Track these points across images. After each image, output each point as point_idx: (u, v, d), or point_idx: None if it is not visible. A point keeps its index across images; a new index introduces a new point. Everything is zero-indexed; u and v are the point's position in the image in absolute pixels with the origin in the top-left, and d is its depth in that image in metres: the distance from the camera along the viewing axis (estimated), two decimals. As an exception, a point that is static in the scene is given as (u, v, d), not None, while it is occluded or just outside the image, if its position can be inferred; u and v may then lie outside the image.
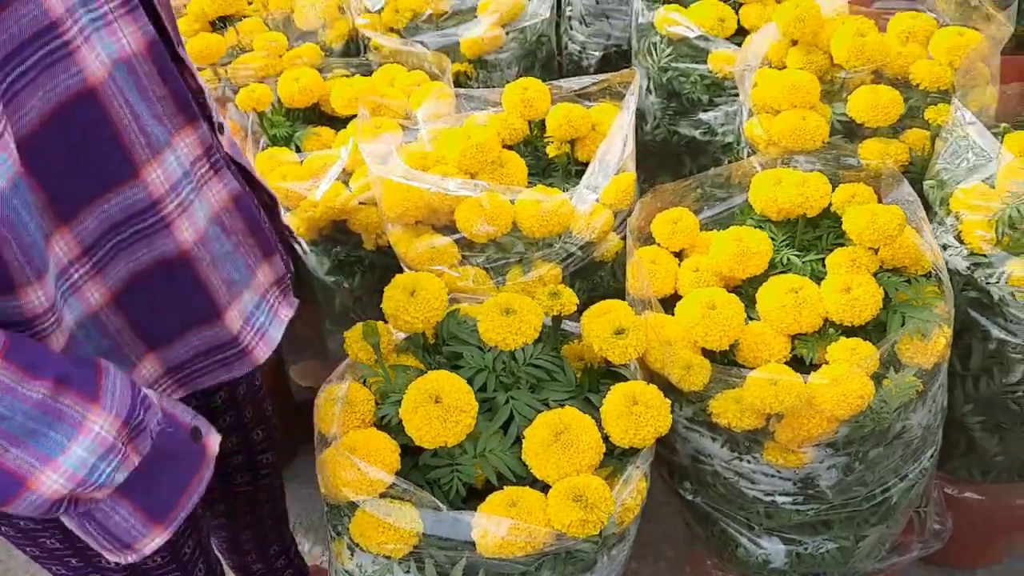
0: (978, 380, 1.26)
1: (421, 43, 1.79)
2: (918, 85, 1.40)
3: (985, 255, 1.17)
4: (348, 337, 1.12)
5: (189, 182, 0.88)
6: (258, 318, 1.01)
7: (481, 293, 1.24)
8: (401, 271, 1.37)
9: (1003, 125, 1.27)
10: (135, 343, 0.91)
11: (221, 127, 1.01)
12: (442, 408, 0.97)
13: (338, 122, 1.69)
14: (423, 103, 1.52)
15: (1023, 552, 1.72)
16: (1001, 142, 1.20)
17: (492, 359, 1.10)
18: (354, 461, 0.95)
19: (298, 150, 1.62)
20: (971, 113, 1.23)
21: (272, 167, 1.53)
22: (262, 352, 1.01)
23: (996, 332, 1.20)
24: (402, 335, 1.17)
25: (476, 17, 1.83)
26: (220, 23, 1.90)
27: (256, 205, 1.03)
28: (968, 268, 1.19)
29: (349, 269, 1.57)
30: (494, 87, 1.53)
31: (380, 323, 1.10)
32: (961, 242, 1.20)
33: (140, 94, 0.81)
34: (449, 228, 1.32)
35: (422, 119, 1.49)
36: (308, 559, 1.78)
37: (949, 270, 1.16)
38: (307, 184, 1.48)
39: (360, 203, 1.49)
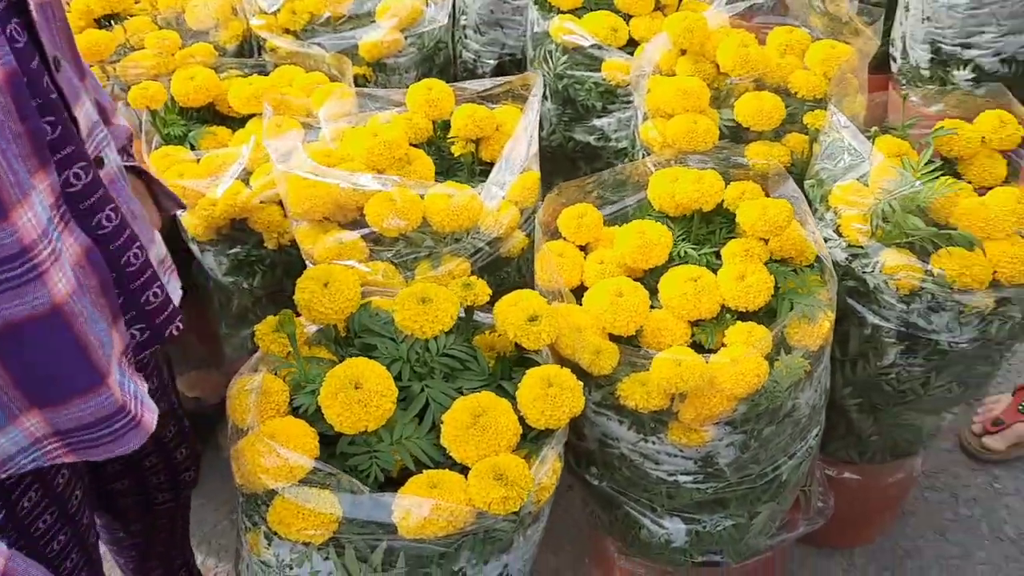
0: (855, 364, 1.37)
1: (319, 45, 1.79)
2: (796, 93, 1.50)
3: (861, 246, 1.27)
4: (259, 330, 1.12)
5: (55, 229, 0.81)
6: (128, 385, 0.92)
7: (392, 287, 1.25)
8: (304, 269, 1.36)
9: (874, 129, 1.38)
10: (14, 394, 0.83)
11: (101, 161, 0.95)
12: (362, 393, 0.98)
13: (234, 121, 1.67)
14: (325, 102, 1.52)
15: (894, 531, 1.85)
16: (872, 144, 1.31)
17: (406, 350, 1.12)
18: (273, 447, 0.94)
19: (193, 149, 1.59)
20: (845, 118, 1.33)
21: (167, 165, 1.49)
22: (149, 418, 0.93)
23: (871, 318, 1.30)
24: (313, 328, 1.17)
25: (374, 21, 1.84)
26: (106, 21, 1.84)
27: (107, 258, 0.92)
28: (847, 259, 1.29)
29: (249, 269, 1.55)
30: (394, 90, 1.55)
31: (291, 312, 1.10)
32: (840, 235, 1.30)
33: None
34: (356, 224, 1.33)
35: (324, 118, 1.50)
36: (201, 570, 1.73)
37: (831, 261, 1.25)
38: (205, 182, 1.46)
39: (261, 201, 1.48)
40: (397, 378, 1.07)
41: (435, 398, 1.07)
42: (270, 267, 1.55)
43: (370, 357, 1.10)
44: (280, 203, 1.43)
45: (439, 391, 1.07)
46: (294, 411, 1.05)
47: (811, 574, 1.78)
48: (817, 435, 1.33)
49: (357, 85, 1.67)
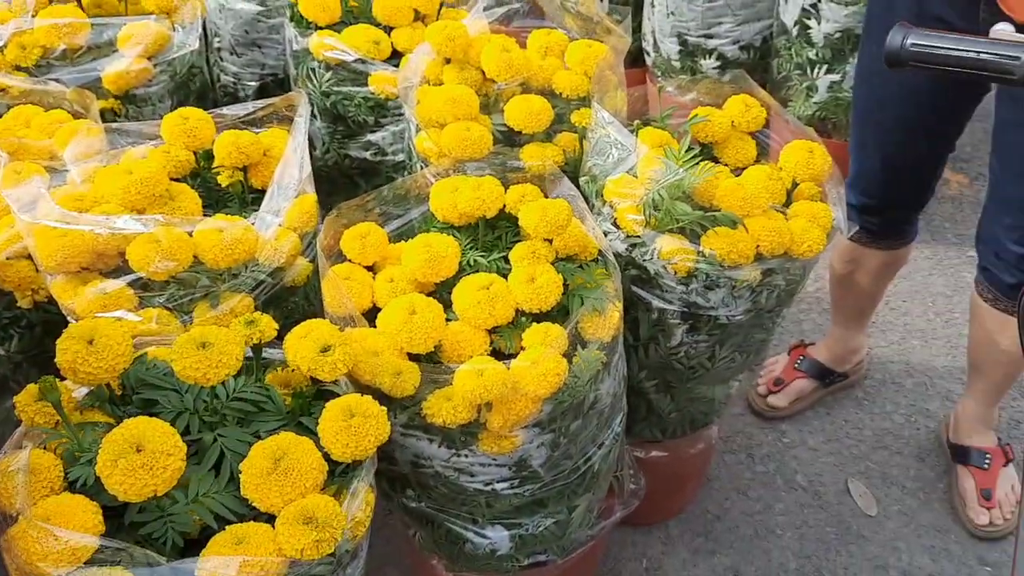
0: (647, 348, 1.42)
1: (57, 81, 1.64)
2: (561, 93, 1.54)
3: (638, 236, 1.32)
4: (19, 402, 1.01)
5: None
6: None
7: (168, 334, 1.16)
8: (67, 325, 1.25)
9: (636, 122, 1.44)
10: None
11: None
12: (146, 455, 0.90)
13: (-35, 173, 1.49)
14: (70, 142, 1.39)
15: (702, 497, 1.95)
16: (636, 137, 1.36)
17: (192, 400, 1.04)
18: (50, 531, 0.84)
19: (-82, 208, 1.41)
20: (608, 114, 1.38)
21: None
22: None
23: (656, 303, 1.36)
24: (83, 390, 1.07)
25: (117, 51, 1.71)
26: None
27: None
28: (627, 249, 1.34)
29: (2, 332, 1.39)
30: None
31: (56, 379, 0.99)
32: (617, 227, 1.34)
33: None
34: (120, 271, 1.23)
35: (71, 159, 1.37)
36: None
37: (612, 253, 1.29)
38: (-63, 244, 1.30)
39: (8, 258, 1.33)
40: (185, 431, 1.00)
41: (230, 447, 1.00)
42: (27, 328, 1.40)
43: (152, 414, 1.01)
44: (30, 257, 1.29)
45: (234, 439, 1.01)
46: (71, 486, 0.95)
47: (632, 553, 1.84)
48: (621, 421, 1.37)
49: (105, 120, 1.54)
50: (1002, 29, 0.98)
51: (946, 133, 1.74)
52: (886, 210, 1.85)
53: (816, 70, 2.46)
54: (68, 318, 1.25)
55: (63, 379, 1.01)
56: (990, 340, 1.77)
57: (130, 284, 1.21)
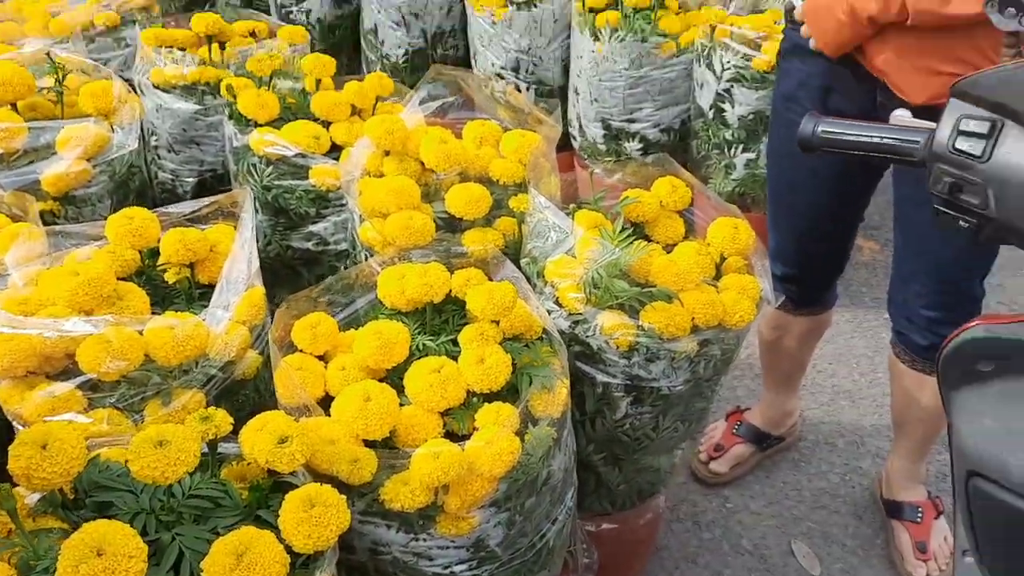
0: (594, 421, 1.46)
1: (-7, 184, 1.64)
2: (498, 180, 1.61)
3: (580, 313, 1.37)
4: (-31, 512, 0.99)
5: None
6: None
7: (120, 434, 1.15)
8: (12, 431, 1.23)
9: (572, 205, 1.51)
10: None
11: None
12: (107, 559, 0.89)
13: (-101, 280, 1.47)
14: (10, 246, 1.39)
15: (653, 567, 1.98)
16: (572, 219, 1.43)
17: (148, 500, 1.04)
18: (11, 643, 0.83)
19: None
20: (545, 199, 1.45)
21: None
22: None
23: (601, 377, 1.41)
24: (34, 496, 1.05)
25: (55, 153, 1.72)
26: None
27: None
28: (570, 327, 1.39)
29: (-60, 442, 1.36)
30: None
31: (10, 486, 0.98)
32: (560, 306, 1.40)
33: None
34: (68, 373, 1.22)
35: (12, 263, 1.37)
36: None
37: (557, 331, 1.34)
38: None
39: (-53, 365, 1.31)
40: (143, 532, 0.99)
41: (189, 545, 0.99)
42: (-33, 436, 1.37)
43: (107, 516, 1.01)
44: (-29, 363, 1.28)
45: (192, 537, 1.00)
46: (27, 595, 0.93)
47: (588, 629, 1.85)
48: (573, 495, 1.40)
49: (45, 222, 1.54)
50: (901, 115, 1.08)
51: (855, 212, 1.87)
52: (805, 280, 1.95)
53: (733, 149, 2.60)
54: (14, 424, 1.23)
55: (15, 486, 1.00)
56: (910, 399, 1.87)
57: (79, 386, 1.20)
